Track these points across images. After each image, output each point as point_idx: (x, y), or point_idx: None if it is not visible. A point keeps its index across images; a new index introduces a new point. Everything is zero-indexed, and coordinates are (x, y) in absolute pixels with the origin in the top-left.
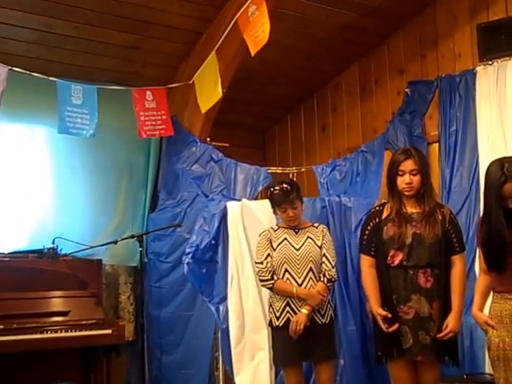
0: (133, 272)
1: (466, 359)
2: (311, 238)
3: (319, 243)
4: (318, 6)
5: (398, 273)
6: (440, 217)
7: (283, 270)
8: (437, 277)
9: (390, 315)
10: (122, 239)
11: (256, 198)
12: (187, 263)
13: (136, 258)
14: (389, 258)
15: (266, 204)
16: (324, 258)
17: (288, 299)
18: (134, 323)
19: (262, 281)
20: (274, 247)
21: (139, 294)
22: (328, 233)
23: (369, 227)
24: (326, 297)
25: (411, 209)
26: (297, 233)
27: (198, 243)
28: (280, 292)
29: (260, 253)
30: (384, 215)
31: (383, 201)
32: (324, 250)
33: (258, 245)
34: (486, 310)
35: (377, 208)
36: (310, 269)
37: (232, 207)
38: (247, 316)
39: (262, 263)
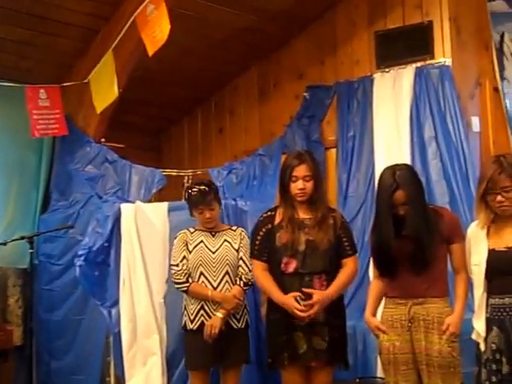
0: (22, 274)
1: (358, 363)
2: (228, 241)
3: (236, 246)
4: (218, 8)
5: (294, 279)
6: (332, 222)
7: (199, 272)
8: (331, 282)
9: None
10: (12, 240)
11: (150, 201)
12: (79, 265)
13: (26, 260)
14: (282, 265)
15: (159, 207)
16: (241, 262)
17: (203, 302)
18: (23, 327)
19: (176, 283)
20: (190, 250)
21: (28, 296)
22: (246, 236)
23: (261, 233)
24: (241, 301)
25: (304, 215)
26: (214, 235)
27: (91, 245)
28: (195, 295)
29: (175, 255)
30: (276, 221)
31: (275, 205)
32: (241, 254)
33: (174, 247)
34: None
35: (268, 213)
36: (227, 272)
37: (126, 209)
38: (139, 320)
39: (177, 265)
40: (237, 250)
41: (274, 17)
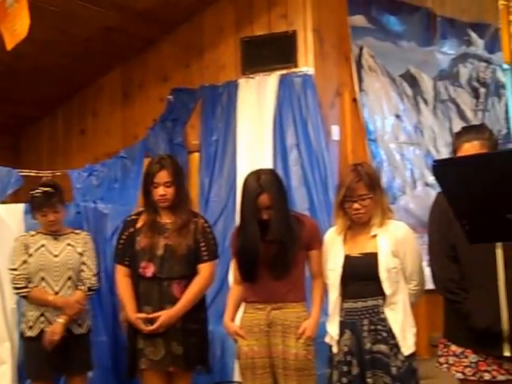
0: None
1: (216, 368)
2: (71, 245)
3: (80, 250)
4: (81, 5)
5: (152, 284)
6: (193, 227)
7: (39, 277)
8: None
9: (150, 316)
10: None
11: (5, 202)
12: None
13: None
14: (140, 269)
15: (15, 208)
16: (84, 266)
17: (44, 308)
18: None
19: (15, 289)
20: (31, 253)
21: None
22: (90, 240)
23: (124, 236)
24: (84, 306)
25: (166, 219)
26: (56, 239)
27: None
28: (35, 301)
29: (15, 259)
30: (139, 225)
31: (140, 209)
32: (84, 258)
33: (13, 250)
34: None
35: (132, 217)
36: (69, 277)
37: None
38: None
39: (16, 270)
40: (80, 254)
41: (140, 17)
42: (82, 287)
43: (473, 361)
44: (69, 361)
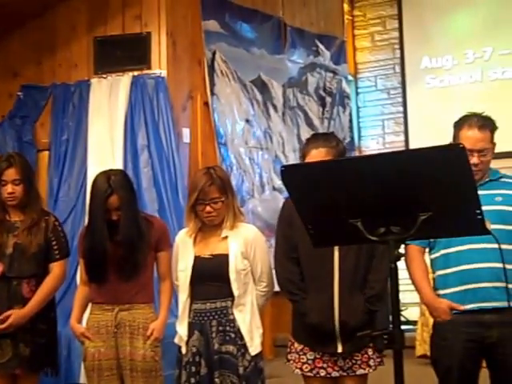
0: None
1: (62, 370)
2: None
3: None
4: None
5: (2, 284)
6: (44, 225)
7: None
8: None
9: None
10: None
11: None
12: None
13: None
14: None
15: None
16: None
17: None
18: None
19: None
20: None
21: None
22: None
23: None
24: None
25: (15, 217)
26: None
27: None
28: None
29: None
30: None
31: None
32: None
33: None
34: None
35: None
36: None
37: None
38: None
39: None
40: None
41: None
42: None
43: (310, 358)
44: None
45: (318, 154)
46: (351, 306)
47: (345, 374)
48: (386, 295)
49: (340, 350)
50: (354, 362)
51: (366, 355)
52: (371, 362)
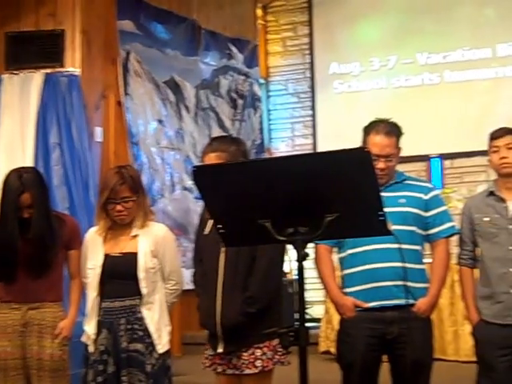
0: None
1: None
2: None
3: None
4: None
5: None
6: None
7: None
8: None
9: None
10: None
11: None
12: None
13: None
14: None
15: None
16: None
17: None
18: None
19: None
20: None
21: None
22: None
23: None
24: None
25: None
26: None
27: None
28: None
29: None
30: None
31: None
32: None
33: None
34: None
35: None
36: None
37: None
38: None
39: None
40: None
41: None
42: None
43: (211, 354)
44: None
45: (207, 160)
46: (229, 307)
47: (237, 372)
48: (270, 295)
49: (220, 349)
50: (242, 361)
51: (252, 355)
52: (258, 363)
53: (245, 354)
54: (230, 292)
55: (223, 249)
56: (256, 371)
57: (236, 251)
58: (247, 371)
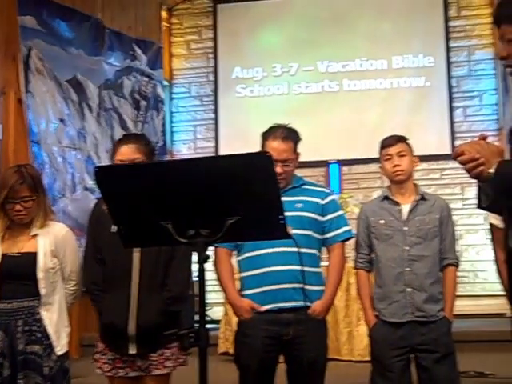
0: None
1: None
2: None
3: None
4: None
5: None
6: None
7: None
8: None
9: None
10: None
11: None
12: None
13: None
14: None
15: None
16: None
17: None
18: None
19: None
20: None
21: None
22: None
23: None
24: None
25: None
26: None
27: None
28: None
29: None
30: None
31: None
32: None
33: None
34: None
35: None
36: None
37: None
38: None
39: None
40: None
41: None
42: None
43: (110, 357)
44: None
45: (127, 150)
46: (148, 307)
47: (143, 373)
48: (188, 296)
49: (133, 351)
50: (150, 362)
51: (162, 356)
52: (168, 363)
53: (153, 354)
54: (147, 292)
55: (137, 248)
56: (166, 372)
57: (155, 250)
58: (156, 372)
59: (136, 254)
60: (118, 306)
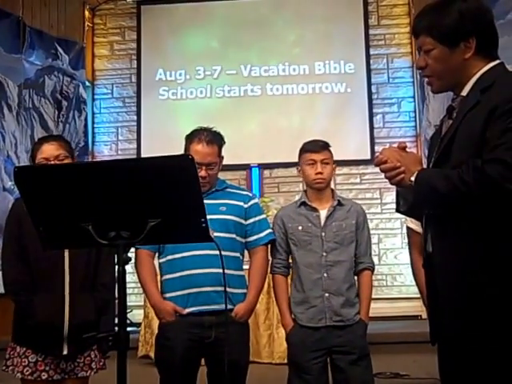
0: None
1: None
2: None
3: None
4: None
5: None
6: None
7: None
8: None
9: None
10: None
11: None
12: None
13: None
14: None
15: None
16: None
17: None
18: None
19: None
20: None
21: None
22: None
23: None
24: None
25: None
26: None
27: None
28: None
29: None
30: None
31: None
32: None
33: None
34: None
35: None
36: None
37: None
38: None
39: None
40: None
41: None
42: None
43: (32, 361)
44: None
45: (50, 147)
46: (81, 307)
47: (66, 376)
48: (113, 298)
49: (66, 351)
50: (76, 364)
51: (88, 358)
52: (93, 365)
53: (80, 356)
54: (79, 291)
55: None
56: (91, 373)
57: (86, 250)
58: (83, 374)
59: (66, 253)
60: (52, 306)
